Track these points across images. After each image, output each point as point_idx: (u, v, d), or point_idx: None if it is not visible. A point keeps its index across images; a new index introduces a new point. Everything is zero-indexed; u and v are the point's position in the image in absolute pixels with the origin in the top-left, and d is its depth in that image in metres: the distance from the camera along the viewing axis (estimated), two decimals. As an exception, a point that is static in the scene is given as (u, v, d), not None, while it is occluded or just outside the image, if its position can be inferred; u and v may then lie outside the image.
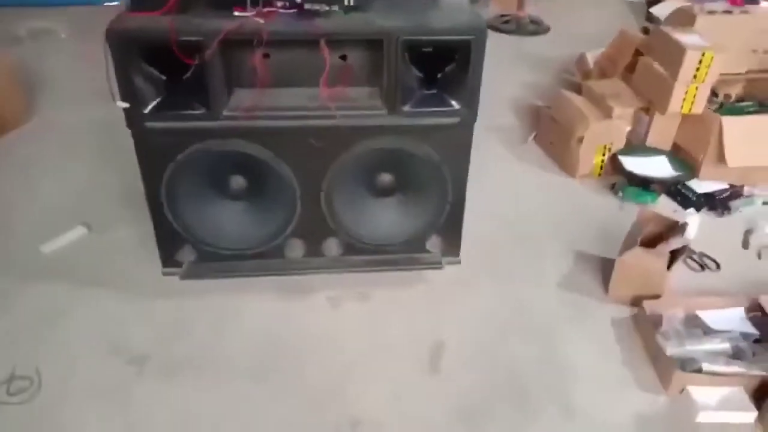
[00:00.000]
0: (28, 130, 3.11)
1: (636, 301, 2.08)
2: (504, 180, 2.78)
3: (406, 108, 1.80)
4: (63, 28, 4.35)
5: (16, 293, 2.11)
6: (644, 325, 1.99)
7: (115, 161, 2.71)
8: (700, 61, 2.61)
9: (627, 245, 2.13)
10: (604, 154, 2.81)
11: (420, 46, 1.72)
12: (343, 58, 1.81)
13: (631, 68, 3.08)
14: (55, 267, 2.23)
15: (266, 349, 1.94)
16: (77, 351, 1.91)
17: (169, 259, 2.05)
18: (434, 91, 1.82)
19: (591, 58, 3.43)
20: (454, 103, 1.80)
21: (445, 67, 1.80)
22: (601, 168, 2.84)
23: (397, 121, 1.81)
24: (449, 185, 1.94)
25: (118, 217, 2.46)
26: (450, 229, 2.05)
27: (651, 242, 2.14)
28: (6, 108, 3.04)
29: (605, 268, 2.26)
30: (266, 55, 1.78)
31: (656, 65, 2.81)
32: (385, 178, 1.96)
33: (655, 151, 2.84)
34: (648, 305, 2.00)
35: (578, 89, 3.12)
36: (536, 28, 4.69)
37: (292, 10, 1.73)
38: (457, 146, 1.87)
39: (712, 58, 2.60)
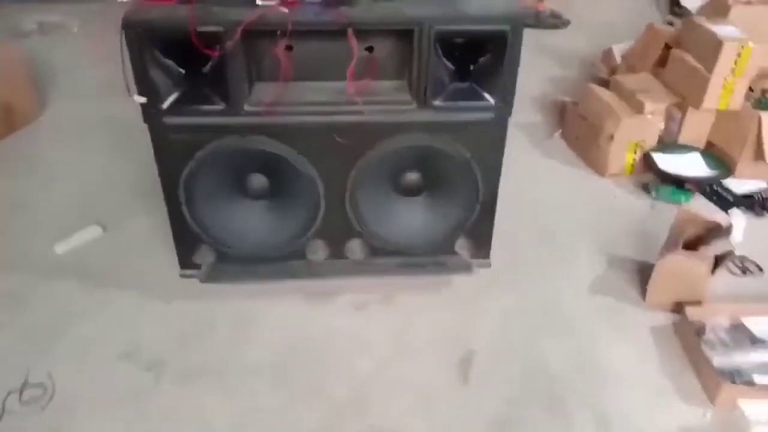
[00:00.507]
0: (39, 125, 3.04)
1: (676, 307, 1.98)
2: (530, 178, 2.67)
3: (437, 102, 1.70)
4: (75, 22, 4.29)
5: (28, 295, 2.04)
6: (686, 333, 1.88)
7: (130, 157, 2.63)
8: (738, 54, 2.49)
9: (667, 248, 2.02)
10: (635, 152, 2.70)
11: (453, 37, 1.62)
12: (370, 49, 1.71)
13: (661, 62, 2.97)
14: (69, 267, 2.15)
15: (287, 355, 1.85)
16: (92, 356, 1.84)
17: (187, 261, 1.96)
18: (467, 85, 1.71)
19: (618, 52, 3.31)
20: (487, 97, 1.70)
21: (478, 58, 1.69)
22: (632, 166, 2.72)
23: (427, 116, 1.71)
24: (480, 184, 1.84)
25: (134, 215, 2.38)
26: (480, 230, 1.95)
27: (691, 245, 2.03)
28: (17, 103, 2.97)
29: (641, 272, 2.16)
30: (289, 47, 1.68)
31: (690, 58, 2.69)
32: (413, 176, 1.87)
33: (689, 149, 2.73)
34: (690, 311, 1.89)
35: (605, 84, 3.00)
36: (556, 21, 4.57)
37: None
38: (489, 143, 1.77)
39: (751, 50, 2.48)
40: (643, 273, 2.15)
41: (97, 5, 4.56)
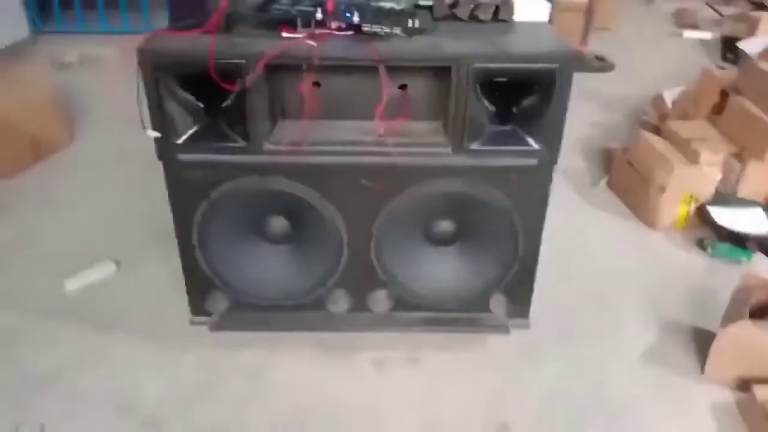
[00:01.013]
0: (66, 157, 2.99)
1: (742, 385, 1.74)
2: (574, 229, 2.47)
3: (475, 146, 1.54)
4: (113, 55, 4.32)
5: (29, 335, 1.92)
6: (755, 415, 1.64)
7: (154, 194, 2.52)
8: (808, 102, 2.28)
9: (731, 315, 1.79)
10: (689, 205, 2.48)
11: (494, 76, 1.47)
12: (403, 87, 1.57)
13: (717, 110, 2.77)
14: (74, 306, 2.04)
15: (298, 421, 1.68)
16: (88, 408, 1.69)
17: (198, 307, 1.82)
18: (508, 128, 1.55)
19: (669, 97, 3.12)
20: (531, 141, 1.54)
21: (521, 100, 1.54)
22: (686, 220, 2.50)
23: (464, 160, 1.56)
24: (520, 237, 1.66)
25: (151, 255, 2.26)
26: (519, 287, 1.76)
27: (758, 313, 1.80)
28: (46, 134, 2.94)
29: (700, 341, 1.93)
30: (317, 84, 1.56)
31: (751, 106, 2.49)
32: (445, 225, 1.70)
33: (750, 203, 2.50)
34: (759, 391, 1.65)
35: (655, 131, 2.81)
36: (601, 65, 4.40)
37: (348, 33, 1.51)
38: (532, 192, 1.60)
39: (822, 98, 2.27)
40: (701, 342, 1.92)
41: (139, 39, 4.63)
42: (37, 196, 2.66)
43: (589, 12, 4.47)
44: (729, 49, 4.39)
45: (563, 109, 1.48)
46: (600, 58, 4.48)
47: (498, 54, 1.45)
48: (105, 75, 3.94)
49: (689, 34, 5.07)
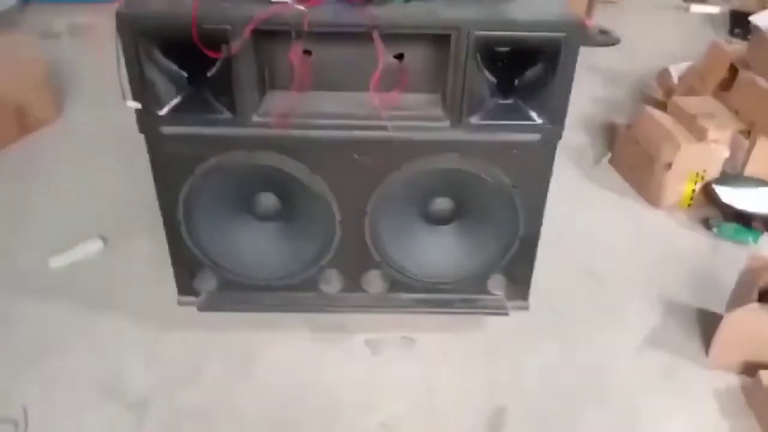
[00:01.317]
0: (53, 130, 2.89)
1: (748, 369, 1.69)
2: (575, 208, 2.40)
3: (474, 120, 1.46)
4: (104, 25, 4.19)
5: (11, 313, 1.86)
6: (760, 400, 1.59)
7: (143, 169, 2.45)
8: (821, 78, 2.19)
9: (737, 298, 1.73)
10: (695, 183, 2.40)
11: (496, 44, 1.38)
12: (399, 57, 1.48)
13: (725, 85, 2.68)
14: (60, 285, 1.97)
15: (288, 403, 1.63)
16: (71, 390, 1.64)
17: (185, 287, 1.75)
18: (510, 101, 1.47)
19: (675, 72, 3.02)
20: (534, 115, 1.45)
21: (524, 71, 1.45)
22: (691, 198, 2.43)
23: (462, 135, 1.47)
24: (521, 216, 1.58)
25: (139, 231, 2.18)
26: (519, 268, 1.69)
27: (765, 296, 1.73)
28: (32, 106, 2.84)
29: (704, 324, 1.87)
30: (307, 52, 1.47)
31: (761, 81, 2.40)
32: (443, 203, 1.63)
33: (757, 182, 2.42)
34: (766, 376, 1.60)
35: (660, 107, 2.71)
36: (605, 38, 4.28)
37: (340, -3, 1.41)
38: (534, 169, 1.52)
39: (836, 73, 2.18)
40: (705, 324, 1.86)
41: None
42: (22, 170, 2.58)
43: (593, -16, 4.34)
44: (737, 23, 4.27)
45: (569, 82, 1.40)
46: (604, 32, 4.36)
47: (501, 21, 1.35)
48: (94, 45, 3.82)
49: (696, 8, 4.93)
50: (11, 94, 2.72)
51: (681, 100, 2.59)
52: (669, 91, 2.98)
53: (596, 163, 2.72)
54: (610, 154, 2.74)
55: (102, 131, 2.84)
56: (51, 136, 2.85)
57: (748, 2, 4.51)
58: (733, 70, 2.65)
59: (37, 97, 2.87)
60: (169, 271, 1.73)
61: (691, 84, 2.85)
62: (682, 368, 1.76)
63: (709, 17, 4.83)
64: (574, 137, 2.93)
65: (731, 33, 4.36)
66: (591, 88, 3.46)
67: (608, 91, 3.43)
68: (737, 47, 2.80)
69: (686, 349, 1.81)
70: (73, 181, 2.49)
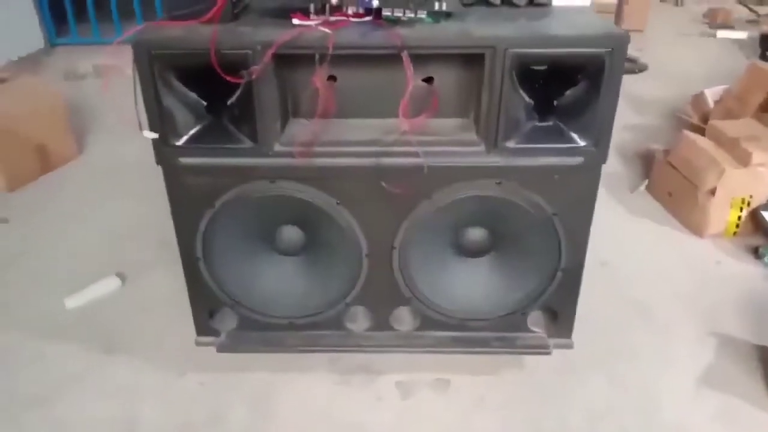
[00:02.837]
0: (73, 168, 2.87)
1: (821, 414, 1.52)
2: (614, 237, 2.27)
3: (511, 144, 1.36)
4: (129, 64, 4.23)
5: (23, 355, 1.78)
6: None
7: (163, 206, 2.41)
8: None
9: (805, 335, 1.57)
10: (740, 210, 2.26)
11: (533, 63, 1.29)
12: (429, 81, 1.40)
13: (766, 107, 2.55)
14: (74, 325, 1.90)
15: (315, 453, 1.50)
16: (83, 437, 1.53)
17: (204, 326, 1.66)
18: (549, 123, 1.37)
19: (711, 96, 2.91)
20: (576, 137, 1.35)
21: (564, 91, 1.35)
22: (737, 226, 2.29)
23: (498, 160, 1.38)
24: (563, 246, 1.47)
25: (157, 269, 2.12)
26: (561, 302, 1.57)
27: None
28: (54, 145, 2.83)
29: (765, 360, 1.71)
30: (332, 78, 1.40)
31: (807, 102, 2.27)
32: (477, 233, 1.52)
33: (809, 208, 2.27)
34: (843, 422, 1.43)
35: (697, 132, 2.60)
36: (632, 66, 4.20)
37: (366, 19, 1.34)
38: (577, 195, 1.41)
39: None
40: (765, 362, 1.70)
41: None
42: (41, 208, 2.54)
43: (618, 14, 4.27)
44: (768, 47, 4.17)
45: (614, 100, 1.30)
46: (631, 60, 4.28)
47: (538, 38, 1.27)
48: (113, 85, 3.84)
49: (723, 33, 4.85)
50: (32, 133, 2.72)
51: (720, 124, 2.47)
52: (705, 116, 2.87)
53: (633, 191, 2.60)
54: (647, 182, 2.62)
55: (122, 169, 2.81)
56: (71, 175, 2.82)
57: (778, 26, 4.41)
58: (774, 92, 2.54)
59: (57, 136, 2.87)
60: (188, 310, 1.64)
61: (728, 107, 2.74)
62: (741, 411, 1.60)
63: (737, 43, 4.74)
64: (607, 165, 2.80)
65: (762, 57, 4.25)
66: (622, 115, 3.30)
67: (640, 119, 3.33)
68: (776, 68, 2.69)
69: (745, 390, 1.65)
70: (92, 219, 2.44)
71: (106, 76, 4.03)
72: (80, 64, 4.28)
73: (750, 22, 5.21)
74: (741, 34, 4.80)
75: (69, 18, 4.59)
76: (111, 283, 2.07)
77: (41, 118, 2.79)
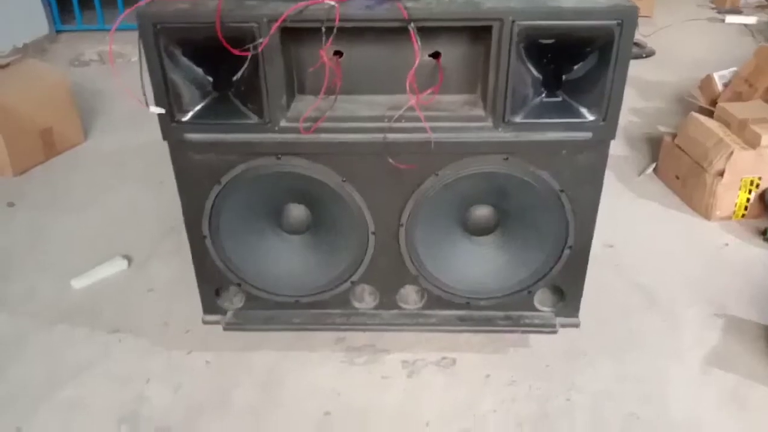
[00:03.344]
0: (79, 153, 2.87)
1: (829, 393, 1.51)
2: (622, 220, 2.26)
3: (518, 119, 1.35)
4: (135, 52, 4.23)
5: (32, 337, 1.79)
6: None
7: (168, 189, 2.40)
8: None
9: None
10: (749, 192, 2.25)
11: (542, 36, 1.28)
12: (435, 56, 1.39)
13: (775, 89, 2.53)
14: (82, 306, 1.90)
15: (318, 431, 1.50)
16: (90, 418, 1.54)
17: (211, 304, 1.66)
18: (557, 98, 1.36)
19: (719, 79, 2.88)
20: (585, 112, 1.34)
21: (572, 65, 1.34)
22: (746, 208, 2.27)
23: (505, 135, 1.37)
24: (571, 224, 1.46)
25: (164, 251, 2.12)
26: (568, 281, 1.56)
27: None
28: (59, 130, 2.82)
29: (772, 342, 1.70)
30: (338, 53, 1.39)
31: (818, 83, 2.25)
32: (484, 211, 1.51)
33: (818, 190, 2.25)
34: None
35: (705, 115, 2.57)
36: (639, 51, 4.16)
37: (372, -8, 1.33)
38: (585, 171, 1.40)
39: None
40: (774, 344, 1.70)
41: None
42: (47, 192, 2.54)
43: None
44: (778, 31, 4.11)
45: (623, 74, 1.29)
46: (638, 44, 4.24)
47: (547, 10, 1.25)
48: (118, 70, 3.83)
49: (732, 18, 4.79)
50: (37, 118, 2.71)
51: (729, 106, 2.44)
52: (713, 99, 2.84)
53: (640, 175, 2.58)
54: (654, 165, 2.60)
55: (127, 154, 2.81)
56: (77, 159, 2.82)
57: (788, 10, 4.37)
58: (783, 75, 2.51)
59: (62, 121, 2.86)
60: (194, 291, 1.64)
61: (737, 90, 2.71)
62: (751, 391, 1.59)
63: (747, 28, 4.69)
64: (614, 149, 2.78)
65: (772, 41, 4.20)
66: (628, 99, 3.27)
67: (647, 103, 3.30)
68: (786, 50, 2.66)
69: (754, 371, 1.65)
70: (97, 203, 2.44)
71: (111, 62, 4.02)
72: (85, 50, 4.27)
73: (759, 7, 5.15)
74: (750, 19, 4.74)
75: (74, 4, 4.58)
76: (117, 264, 2.07)
77: (47, 102, 2.78)
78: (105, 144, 2.95)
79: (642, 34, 4.35)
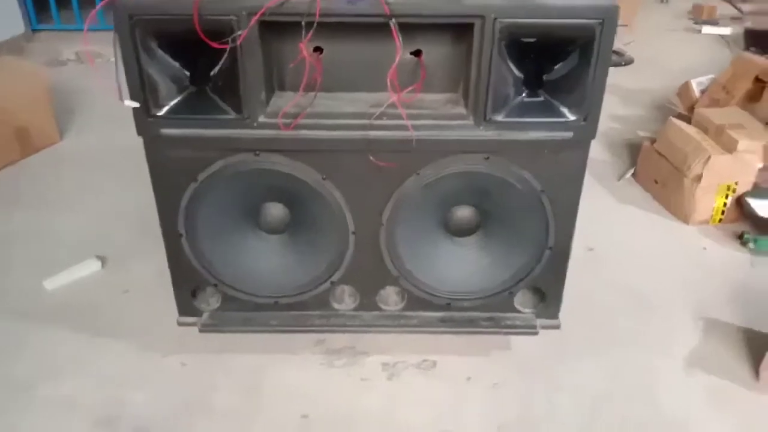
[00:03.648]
0: (53, 152, 2.81)
1: (806, 393, 1.52)
2: (602, 224, 2.27)
3: (500, 117, 1.35)
4: (113, 52, 4.17)
5: (8, 340, 1.74)
6: (823, 429, 1.42)
7: (143, 191, 2.36)
8: None
9: (790, 315, 1.57)
10: (726, 196, 2.27)
11: (523, 34, 1.27)
12: (417, 54, 1.38)
13: (751, 97, 2.57)
14: (55, 308, 1.85)
15: (299, 434, 1.47)
16: (64, 421, 1.50)
17: (186, 306, 1.62)
18: (540, 98, 1.35)
19: (697, 86, 2.92)
20: (566, 111, 1.34)
21: (554, 64, 1.34)
22: (722, 213, 2.29)
23: (486, 134, 1.36)
24: (551, 224, 1.46)
25: (139, 252, 2.07)
26: (548, 282, 1.56)
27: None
28: (34, 128, 2.77)
29: (750, 343, 1.73)
30: (318, 49, 1.37)
31: (793, 90, 2.29)
32: (465, 211, 1.50)
33: (794, 195, 2.28)
34: (828, 401, 1.44)
35: (684, 121, 2.60)
36: (618, 59, 4.21)
37: (354, -13, 1.32)
38: (565, 171, 1.40)
39: None
40: (753, 345, 1.72)
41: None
42: (21, 191, 2.48)
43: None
44: (753, 42, 4.21)
45: (604, 73, 1.29)
46: (618, 53, 4.29)
47: (528, 7, 1.24)
48: (95, 71, 3.77)
49: (708, 29, 4.88)
50: (12, 116, 2.66)
51: (707, 111, 2.48)
52: (691, 105, 2.88)
53: (620, 179, 2.60)
54: (633, 170, 2.62)
55: (103, 154, 2.76)
56: (52, 158, 2.77)
57: (761, 21, 4.46)
58: (759, 82, 2.56)
59: (38, 120, 2.80)
60: (170, 292, 1.60)
61: (714, 96, 2.75)
62: (732, 392, 1.60)
63: (722, 38, 4.78)
64: (594, 154, 2.80)
65: (746, 51, 4.28)
66: (608, 106, 3.29)
67: (626, 110, 3.33)
68: (762, 59, 2.71)
69: (735, 372, 1.66)
70: (72, 202, 2.39)
71: (89, 61, 3.96)
72: (63, 50, 4.20)
73: (734, 18, 5.26)
74: (725, 30, 4.84)
75: (51, 4, 4.51)
76: (90, 265, 2.02)
77: (22, 99, 2.73)
78: (81, 143, 2.90)
79: (621, 42, 4.41)
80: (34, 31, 4.54)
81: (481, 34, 1.26)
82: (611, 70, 3.10)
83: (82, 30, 4.51)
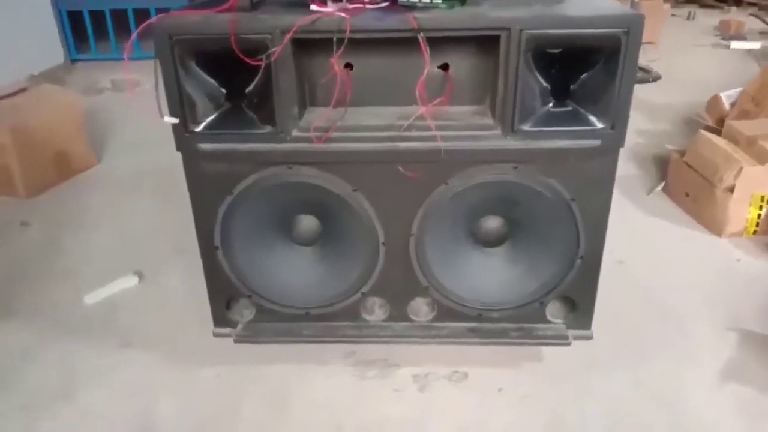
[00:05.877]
0: (91, 176, 2.92)
1: None
2: (633, 236, 2.25)
3: (527, 127, 1.37)
4: (148, 80, 4.31)
5: (44, 350, 1.79)
6: None
7: (179, 210, 2.42)
8: None
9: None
10: (760, 208, 2.24)
11: (549, 44, 1.30)
12: (444, 68, 1.41)
13: (782, 108, 2.54)
14: (94, 320, 1.90)
15: (331, 443, 1.48)
16: (98, 428, 1.53)
17: (221, 317, 1.66)
18: (566, 107, 1.37)
19: (726, 99, 2.90)
20: (594, 120, 1.35)
21: (580, 74, 1.36)
22: (757, 225, 2.26)
23: (515, 143, 1.38)
24: (581, 233, 1.46)
25: (175, 268, 2.13)
26: (580, 292, 1.55)
27: None
28: (72, 153, 2.89)
29: (789, 356, 1.68)
30: (349, 66, 1.42)
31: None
32: (494, 221, 1.52)
33: (830, 205, 2.24)
34: None
35: (715, 133, 2.59)
36: (645, 75, 4.21)
37: (383, 5, 1.37)
38: (595, 179, 1.41)
39: None
40: (791, 357, 1.67)
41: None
42: (60, 213, 2.57)
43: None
44: (783, 55, 4.16)
45: (630, 81, 1.30)
46: (644, 69, 4.29)
47: (554, 18, 1.27)
48: (134, 97, 3.91)
49: (737, 44, 4.86)
50: (52, 141, 2.77)
51: (737, 123, 2.46)
52: (721, 118, 2.86)
53: (649, 193, 2.58)
54: (663, 183, 2.60)
55: (139, 176, 2.85)
56: (89, 181, 2.87)
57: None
58: (790, 93, 2.53)
59: (76, 145, 2.92)
60: (205, 306, 1.64)
61: (744, 109, 2.73)
62: (764, 405, 1.56)
63: (751, 53, 4.74)
64: (622, 169, 2.79)
65: (776, 66, 4.23)
66: (635, 121, 3.32)
67: (654, 125, 3.32)
68: (792, 70, 2.69)
69: (766, 384, 1.62)
70: (110, 223, 2.47)
71: (128, 87, 4.10)
72: (99, 78, 4.37)
73: (763, 33, 5.22)
74: (755, 45, 4.81)
75: (89, 34, 4.71)
76: (129, 281, 2.08)
77: (61, 126, 2.84)
78: (117, 167, 3.00)
79: (648, 59, 4.41)
80: (73, 61, 4.74)
81: (508, 46, 1.29)
82: (638, 86, 3.11)
83: (117, 59, 4.70)
